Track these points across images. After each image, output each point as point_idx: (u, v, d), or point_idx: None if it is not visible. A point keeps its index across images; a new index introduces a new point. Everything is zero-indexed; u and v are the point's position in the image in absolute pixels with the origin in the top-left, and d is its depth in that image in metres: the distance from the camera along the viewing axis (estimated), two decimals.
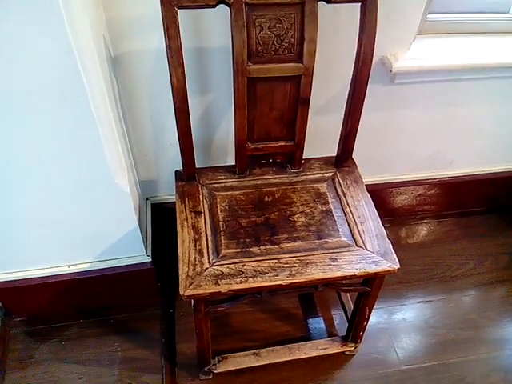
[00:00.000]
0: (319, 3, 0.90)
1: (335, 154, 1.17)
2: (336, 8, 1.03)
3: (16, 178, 0.97)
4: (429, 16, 1.19)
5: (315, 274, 0.94)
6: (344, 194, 1.11)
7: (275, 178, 1.14)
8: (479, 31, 1.26)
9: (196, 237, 1.00)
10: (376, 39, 0.95)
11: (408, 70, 1.17)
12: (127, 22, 1.00)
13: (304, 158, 1.15)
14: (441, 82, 1.28)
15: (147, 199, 1.40)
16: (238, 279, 0.92)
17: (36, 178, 0.99)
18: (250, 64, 0.95)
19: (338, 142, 1.15)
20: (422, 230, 1.69)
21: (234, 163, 1.13)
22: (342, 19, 1.07)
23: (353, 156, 1.18)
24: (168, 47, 0.88)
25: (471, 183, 1.63)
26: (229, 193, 1.10)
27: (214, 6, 0.87)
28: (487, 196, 1.70)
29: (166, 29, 0.86)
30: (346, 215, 1.06)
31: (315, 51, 0.95)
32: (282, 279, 0.93)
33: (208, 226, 1.02)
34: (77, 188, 1.03)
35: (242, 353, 1.25)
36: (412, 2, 1.08)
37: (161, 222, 1.38)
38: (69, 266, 1.22)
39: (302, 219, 1.05)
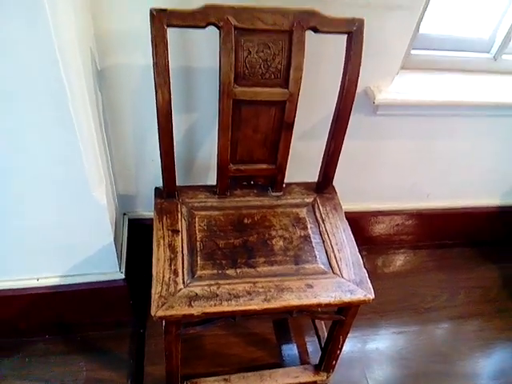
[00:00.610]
0: (307, 32, 0.92)
1: (316, 180, 1.18)
2: (323, 37, 1.05)
3: None
4: (413, 52, 1.23)
5: (290, 299, 0.93)
6: (323, 221, 1.11)
7: (256, 201, 1.14)
8: (461, 69, 1.31)
9: (172, 256, 0.98)
10: (360, 70, 0.97)
11: (390, 103, 1.20)
12: (115, 36, 1.00)
13: (285, 182, 1.15)
14: (421, 117, 1.32)
15: (124, 214, 1.38)
16: (212, 302, 0.90)
17: (9, 183, 0.96)
18: (236, 86, 0.95)
19: (319, 168, 1.16)
20: (398, 260, 1.70)
21: (215, 183, 1.12)
22: (329, 48, 1.09)
23: (333, 183, 1.19)
24: (155, 65, 0.88)
25: (447, 216, 1.66)
26: (208, 213, 1.09)
27: (203, 27, 0.88)
28: (463, 229, 1.73)
29: (155, 46, 0.86)
30: (324, 242, 1.06)
31: (301, 78, 0.96)
32: (257, 304, 0.91)
33: (185, 246, 1.01)
34: (51, 197, 1.01)
35: (212, 378, 1.21)
36: (397, 37, 1.12)
37: (137, 239, 1.36)
38: (38, 280, 1.18)
39: (280, 243, 1.05)
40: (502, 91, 1.28)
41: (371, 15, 0.95)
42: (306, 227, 1.09)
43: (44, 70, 0.79)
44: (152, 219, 1.06)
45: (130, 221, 1.38)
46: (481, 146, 1.46)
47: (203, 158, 1.28)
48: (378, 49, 1.11)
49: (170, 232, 1.03)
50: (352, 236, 1.08)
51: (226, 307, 0.90)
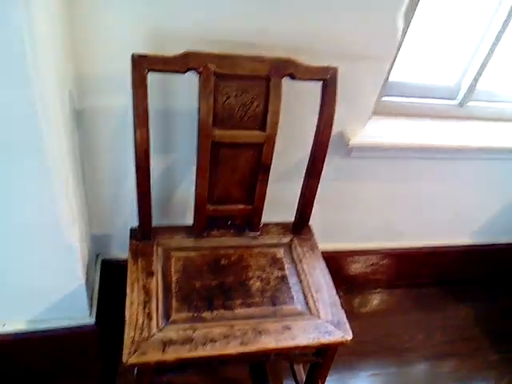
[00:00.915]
0: (284, 78, 0.96)
1: (293, 220, 1.19)
2: (300, 82, 1.09)
3: None
4: (384, 98, 1.29)
5: (268, 342, 0.91)
6: (300, 261, 1.11)
7: (233, 241, 1.13)
8: (429, 115, 1.38)
9: (146, 299, 0.95)
10: (335, 115, 1.00)
11: (363, 146, 1.25)
12: (95, 78, 1.01)
13: (262, 221, 1.16)
14: (393, 159, 1.36)
15: (98, 255, 1.34)
16: (187, 346, 0.88)
17: None
18: (214, 129, 0.97)
19: (296, 208, 1.17)
20: (375, 300, 1.71)
21: (192, 222, 1.11)
22: (305, 93, 1.13)
23: (310, 222, 1.20)
24: (135, 107, 0.89)
25: (421, 255, 1.69)
26: (184, 253, 1.08)
27: (183, 73, 0.90)
28: (436, 268, 1.76)
29: (135, 89, 0.88)
30: (301, 282, 1.06)
31: (278, 122, 0.99)
32: (234, 347, 0.89)
33: (160, 288, 0.98)
34: (20, 238, 0.97)
35: None
36: (369, 85, 1.17)
37: (111, 281, 1.31)
38: (3, 325, 1.12)
39: (258, 284, 1.04)
40: (468, 136, 1.35)
41: (344, 64, 0.99)
42: (283, 268, 1.09)
43: (19, 111, 0.78)
44: (127, 260, 1.04)
45: (104, 262, 1.34)
46: (451, 188, 1.51)
47: (181, 197, 1.28)
48: (351, 95, 1.16)
49: (144, 274, 1.00)
50: (329, 276, 1.08)
51: (201, 352, 0.88)
